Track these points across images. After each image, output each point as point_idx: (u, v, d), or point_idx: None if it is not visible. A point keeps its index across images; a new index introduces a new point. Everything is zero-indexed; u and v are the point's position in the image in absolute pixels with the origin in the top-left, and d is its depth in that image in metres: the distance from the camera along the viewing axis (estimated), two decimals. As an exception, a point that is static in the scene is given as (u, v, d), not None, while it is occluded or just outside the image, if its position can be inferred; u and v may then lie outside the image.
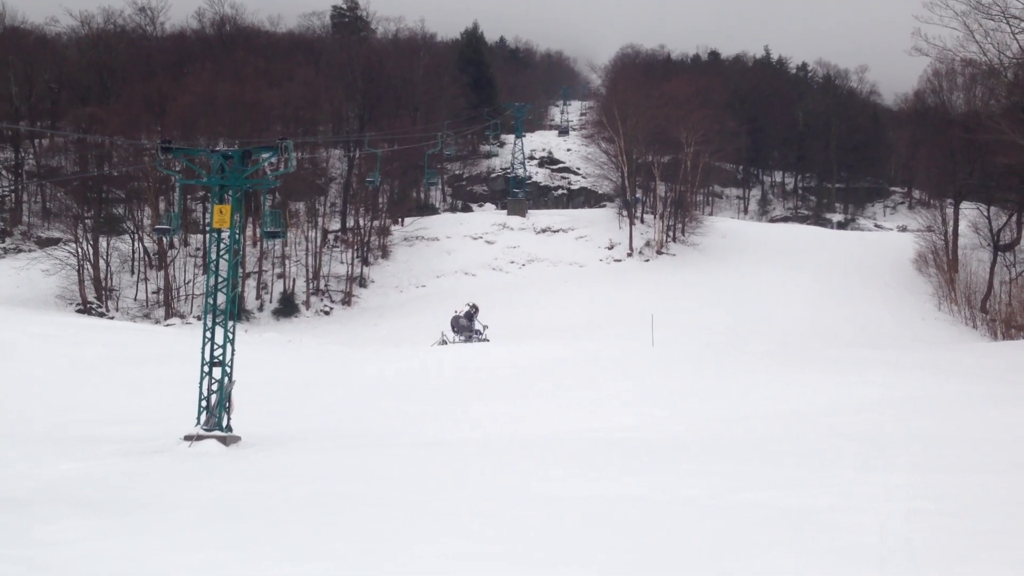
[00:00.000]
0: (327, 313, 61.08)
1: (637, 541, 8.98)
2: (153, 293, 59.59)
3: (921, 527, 9.05)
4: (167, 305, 58.17)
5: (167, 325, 54.71)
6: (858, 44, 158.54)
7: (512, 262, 67.38)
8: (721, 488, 11.54)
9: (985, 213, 57.73)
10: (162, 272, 59.88)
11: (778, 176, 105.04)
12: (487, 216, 77.07)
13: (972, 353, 35.27)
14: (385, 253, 68.17)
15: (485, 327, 44.82)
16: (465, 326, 44.62)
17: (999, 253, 55.68)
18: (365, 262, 66.31)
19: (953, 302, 54.12)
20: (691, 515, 10.09)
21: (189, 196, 62.46)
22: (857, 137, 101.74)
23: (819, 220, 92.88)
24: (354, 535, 9.76)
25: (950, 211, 61.20)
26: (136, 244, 61.38)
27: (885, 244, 69.47)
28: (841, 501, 10.39)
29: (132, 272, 60.90)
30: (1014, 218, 59.02)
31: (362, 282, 64.78)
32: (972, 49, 43.64)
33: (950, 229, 60.18)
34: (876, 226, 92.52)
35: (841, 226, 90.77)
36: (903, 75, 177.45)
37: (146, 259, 61.37)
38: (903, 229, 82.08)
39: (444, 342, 42.98)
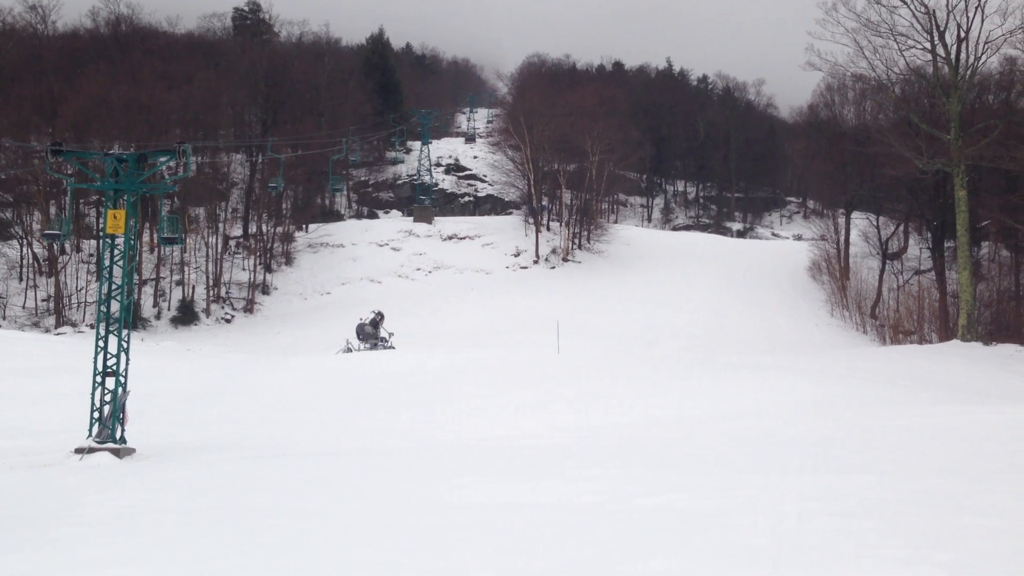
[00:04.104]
0: (228, 321, 59.77)
1: (538, 547, 9.05)
2: (43, 301, 57.34)
3: (813, 527, 9.34)
4: (58, 313, 56.05)
5: (58, 334, 52.70)
6: (756, 58, 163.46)
7: (418, 269, 67.17)
8: (621, 493, 11.70)
9: (874, 223, 60.13)
10: (52, 279, 57.69)
11: (680, 185, 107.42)
12: (393, 223, 76.69)
13: (862, 357, 36.68)
14: (289, 260, 67.14)
15: (391, 334, 44.56)
16: (370, 333, 44.30)
17: (887, 261, 58.04)
18: (268, 269, 65.17)
19: (845, 308, 56.17)
20: (591, 520, 10.20)
21: (82, 200, 60.45)
22: (755, 148, 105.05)
23: (719, 229, 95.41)
24: (256, 547, 9.56)
25: (842, 221, 63.57)
26: (24, 250, 59.02)
27: (782, 252, 71.72)
28: (736, 503, 10.64)
29: (20, 279, 58.54)
30: (901, 228, 61.59)
31: (265, 289, 63.62)
32: (862, 65, 45.73)
33: (842, 238, 62.51)
34: (773, 235, 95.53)
35: (740, 235, 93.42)
36: (798, 89, 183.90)
37: (35, 265, 59.03)
38: (798, 238, 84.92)
39: (349, 350, 42.60)
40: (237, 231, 68.50)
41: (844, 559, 8.22)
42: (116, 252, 19.88)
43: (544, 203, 73.24)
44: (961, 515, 9.65)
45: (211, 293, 61.25)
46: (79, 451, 18.40)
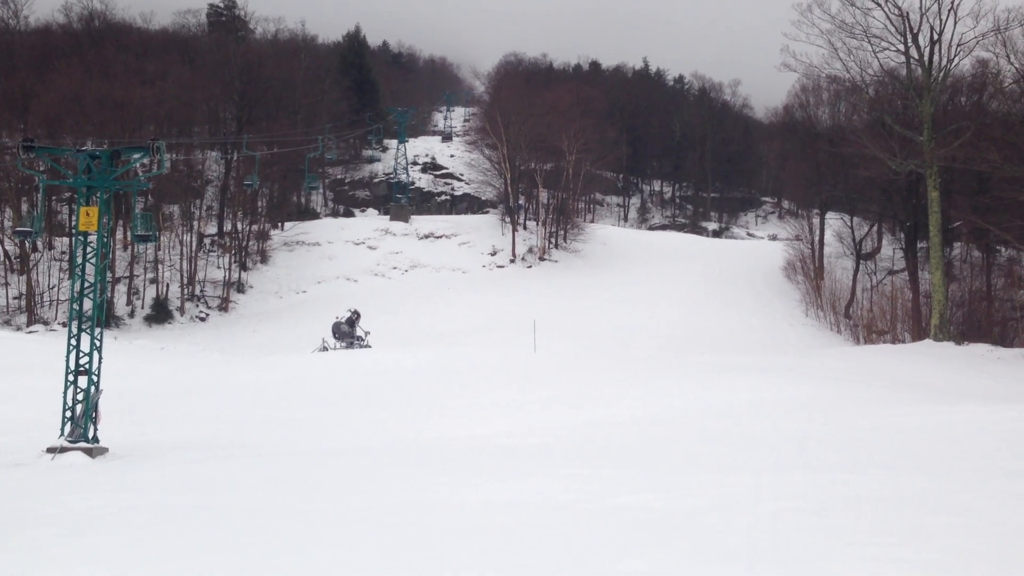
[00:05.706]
0: (203, 319, 59.32)
1: (513, 547, 9.04)
2: (14, 299, 56.68)
3: (787, 526, 9.40)
4: (30, 311, 55.41)
5: (30, 332, 52.10)
6: (732, 59, 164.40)
7: (395, 268, 66.97)
8: (597, 492, 11.72)
9: (848, 223, 60.56)
10: (24, 276, 57.02)
11: (656, 185, 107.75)
12: (369, 221, 76.40)
13: (836, 357, 36.94)
14: (264, 258, 66.71)
15: (367, 333, 44.43)
16: (347, 332, 44.15)
17: (861, 261, 58.49)
18: (243, 267, 64.72)
19: (819, 308, 56.57)
20: (567, 520, 10.21)
21: (54, 197, 59.82)
22: (731, 149, 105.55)
23: (695, 228, 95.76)
24: (229, 547, 9.48)
25: (816, 221, 64.00)
26: (-5, 247, 58.29)
27: (757, 252, 72.08)
28: (711, 503, 10.69)
29: (-9, 276, 57.80)
30: (874, 228, 62.09)
31: (240, 288, 63.18)
32: (836, 66, 46.06)
33: (816, 238, 62.93)
34: (749, 235, 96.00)
35: (716, 234, 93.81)
36: (773, 90, 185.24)
37: (7, 263, 58.32)
38: (773, 238, 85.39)
39: (325, 348, 42.43)
40: (212, 229, 68.00)
41: (819, 558, 8.27)
42: (89, 250, 19.66)
43: (521, 202, 73.24)
44: (935, 514, 9.74)
45: (185, 291, 60.76)
46: (51, 451, 18.18)
